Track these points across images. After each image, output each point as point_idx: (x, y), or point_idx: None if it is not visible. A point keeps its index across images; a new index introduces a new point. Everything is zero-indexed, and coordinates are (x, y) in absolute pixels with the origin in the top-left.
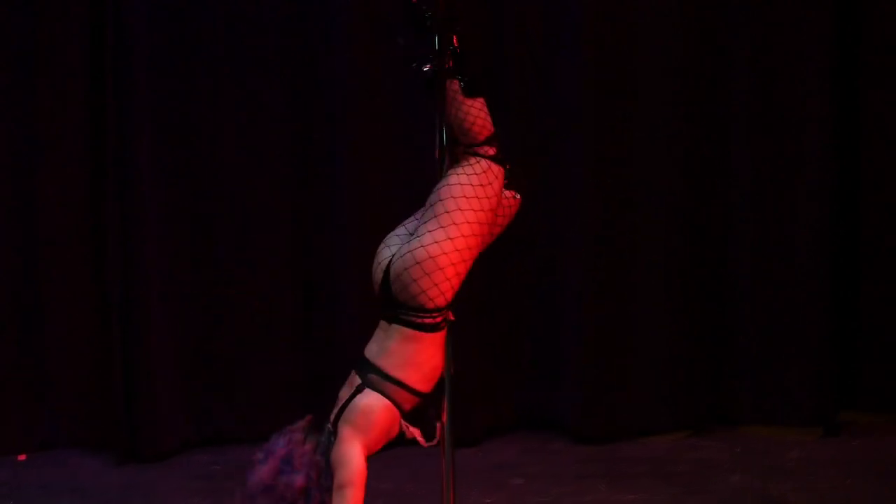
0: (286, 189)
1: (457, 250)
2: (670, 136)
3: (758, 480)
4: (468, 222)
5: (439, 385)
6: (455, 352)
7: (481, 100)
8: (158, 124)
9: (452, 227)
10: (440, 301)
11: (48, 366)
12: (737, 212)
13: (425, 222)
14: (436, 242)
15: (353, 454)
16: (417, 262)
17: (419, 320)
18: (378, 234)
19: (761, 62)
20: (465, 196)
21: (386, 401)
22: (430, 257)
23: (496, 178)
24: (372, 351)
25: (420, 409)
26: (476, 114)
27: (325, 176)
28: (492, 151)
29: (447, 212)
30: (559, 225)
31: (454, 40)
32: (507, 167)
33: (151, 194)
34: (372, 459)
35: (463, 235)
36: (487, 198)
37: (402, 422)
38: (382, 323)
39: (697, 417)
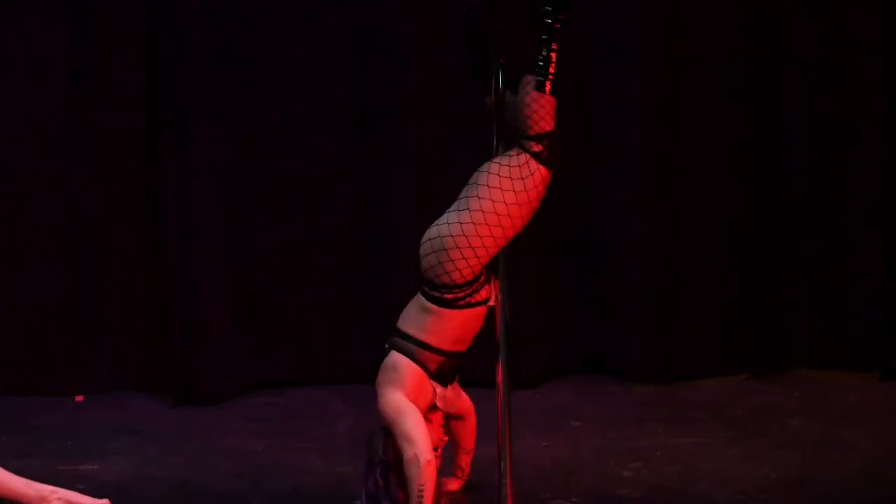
0: (344, 137)
1: (478, 235)
2: (731, 86)
3: (817, 424)
4: (494, 213)
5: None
6: (513, 295)
7: (551, 99)
8: (217, 61)
9: (478, 213)
10: (453, 278)
11: (105, 309)
12: (795, 155)
13: (457, 206)
14: (457, 223)
15: (390, 397)
16: (432, 239)
17: (433, 293)
18: (433, 193)
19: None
20: (496, 187)
21: (408, 359)
22: (447, 236)
23: (533, 173)
24: (401, 318)
25: (447, 370)
26: (536, 108)
27: (384, 127)
28: (537, 148)
29: (476, 197)
30: (616, 169)
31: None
32: (551, 170)
33: (210, 140)
34: None
35: (487, 223)
36: (519, 192)
37: (430, 381)
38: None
39: (755, 361)
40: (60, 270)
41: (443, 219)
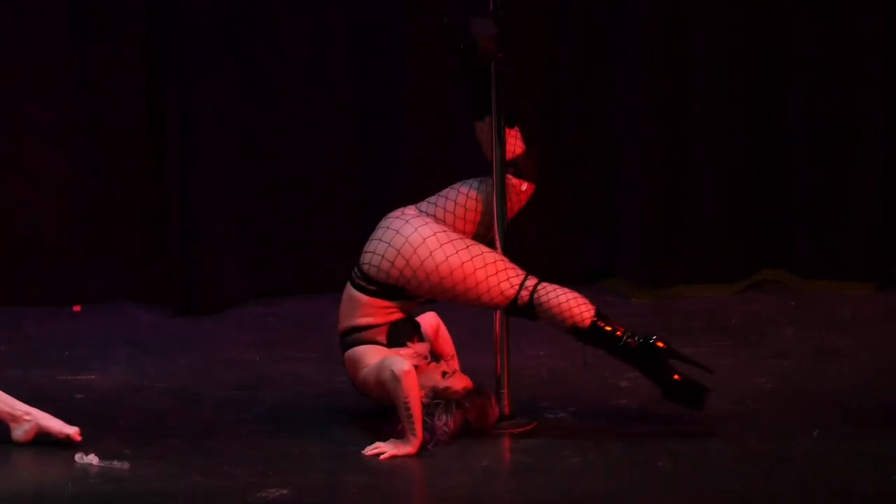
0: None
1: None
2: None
3: (812, 334)
4: (453, 230)
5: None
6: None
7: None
8: None
9: (436, 226)
10: (370, 271)
11: (104, 219)
12: (798, 66)
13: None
14: (411, 227)
15: (361, 377)
16: (381, 228)
17: (356, 279)
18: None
19: None
20: (462, 205)
21: (358, 349)
22: (396, 231)
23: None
24: (339, 324)
25: (400, 329)
26: (507, 140)
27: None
28: (511, 170)
29: (440, 209)
30: (616, 80)
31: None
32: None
33: (208, 48)
34: (437, 309)
35: (436, 235)
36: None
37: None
38: None
39: (751, 272)
40: (60, 180)
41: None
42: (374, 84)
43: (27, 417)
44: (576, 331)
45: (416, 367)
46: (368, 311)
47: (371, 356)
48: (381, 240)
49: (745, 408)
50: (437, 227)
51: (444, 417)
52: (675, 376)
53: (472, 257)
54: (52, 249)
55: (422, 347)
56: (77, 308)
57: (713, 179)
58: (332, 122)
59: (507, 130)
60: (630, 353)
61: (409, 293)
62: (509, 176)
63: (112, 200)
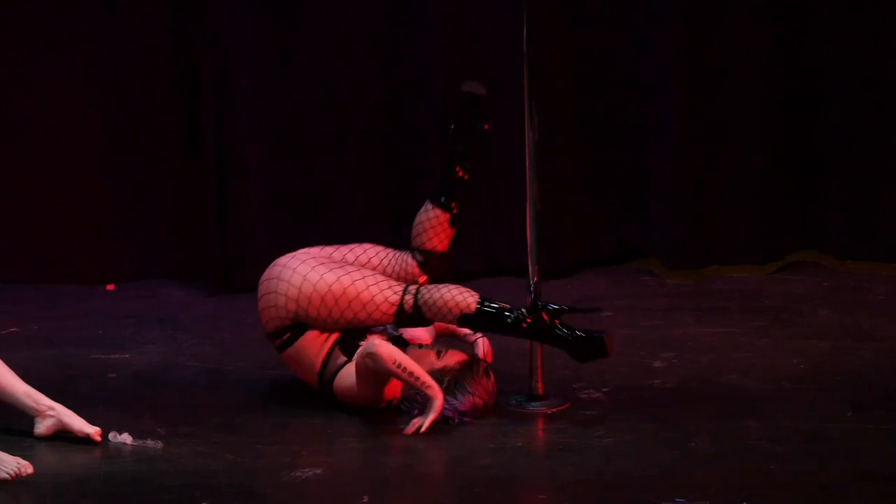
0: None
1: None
2: None
3: (846, 314)
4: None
5: None
6: (548, 185)
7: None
8: None
9: (310, 260)
10: (271, 326)
11: (139, 197)
12: (832, 45)
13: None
14: (288, 271)
15: (352, 377)
16: (261, 285)
17: (276, 344)
18: None
19: None
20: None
21: (336, 381)
22: (277, 279)
23: (407, 277)
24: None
25: (347, 339)
26: (438, 229)
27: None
28: (420, 258)
29: (345, 273)
30: (650, 56)
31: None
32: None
33: (244, 25)
34: (472, 287)
35: (314, 269)
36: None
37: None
38: None
39: (787, 252)
40: (94, 157)
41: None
42: (410, 70)
43: (50, 413)
44: (465, 318)
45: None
46: (308, 354)
47: (347, 373)
48: (264, 295)
49: (779, 388)
50: (311, 262)
51: (456, 397)
52: (573, 335)
53: (354, 280)
54: (86, 228)
55: (381, 333)
56: (111, 287)
57: (747, 159)
58: (370, 105)
59: (447, 225)
60: (522, 331)
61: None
62: (411, 260)
63: (147, 178)
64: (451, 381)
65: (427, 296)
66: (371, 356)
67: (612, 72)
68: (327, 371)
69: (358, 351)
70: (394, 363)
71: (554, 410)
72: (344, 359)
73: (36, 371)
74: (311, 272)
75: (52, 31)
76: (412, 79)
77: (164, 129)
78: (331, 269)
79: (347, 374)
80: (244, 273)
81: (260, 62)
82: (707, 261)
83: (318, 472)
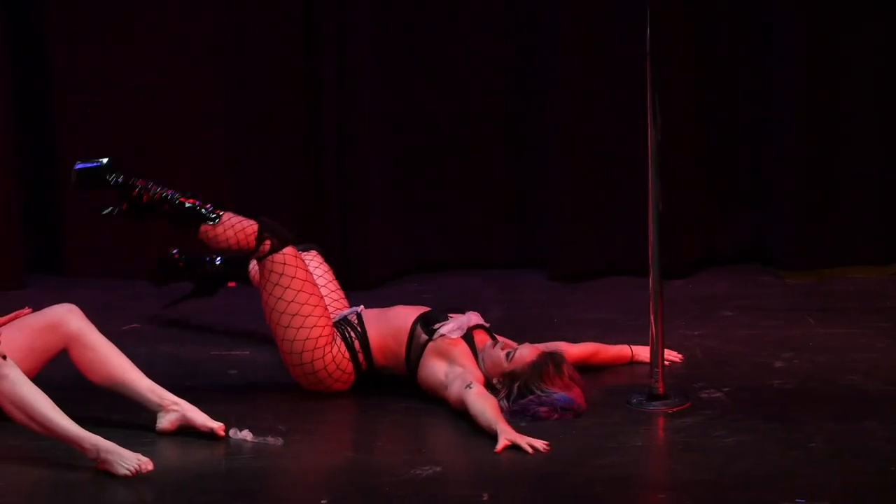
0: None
1: None
2: None
3: None
4: None
5: None
6: (667, 184)
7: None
8: None
9: None
10: None
11: (263, 197)
12: None
13: None
14: None
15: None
16: None
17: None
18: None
19: None
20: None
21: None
22: None
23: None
24: None
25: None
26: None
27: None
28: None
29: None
30: (767, 59)
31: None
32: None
33: (368, 35)
34: (587, 286)
35: None
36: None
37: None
38: None
39: None
40: (217, 156)
41: None
42: (531, 63)
43: (174, 408)
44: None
45: (480, 351)
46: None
47: (432, 371)
48: None
49: None
50: None
51: (539, 398)
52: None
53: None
54: None
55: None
56: (232, 284)
57: (866, 158)
58: (490, 101)
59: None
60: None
61: None
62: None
63: (269, 179)
64: (520, 386)
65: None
66: (465, 398)
67: (731, 72)
68: (412, 352)
69: (455, 383)
70: (479, 414)
71: (674, 410)
72: (425, 337)
73: (156, 367)
74: None
75: (177, 32)
76: (535, 81)
77: (287, 130)
78: None
79: (432, 372)
80: (364, 270)
81: (382, 58)
82: (826, 261)
83: (437, 469)
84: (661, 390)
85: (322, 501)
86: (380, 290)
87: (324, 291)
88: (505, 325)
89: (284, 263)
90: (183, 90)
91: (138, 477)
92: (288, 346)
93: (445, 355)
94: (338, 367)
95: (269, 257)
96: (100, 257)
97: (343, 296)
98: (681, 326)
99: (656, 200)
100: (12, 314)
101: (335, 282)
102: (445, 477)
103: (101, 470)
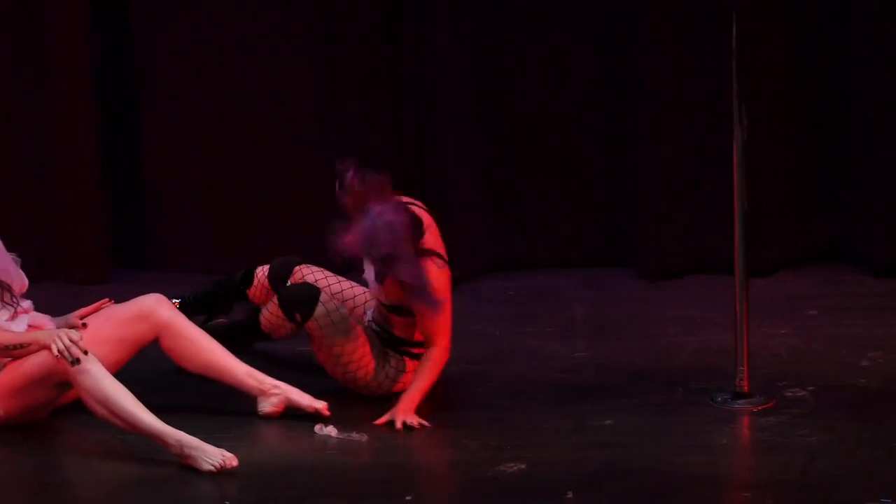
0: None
1: None
2: None
3: None
4: None
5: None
6: (751, 185)
7: None
8: None
9: None
10: None
11: None
12: None
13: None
14: None
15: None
16: None
17: None
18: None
19: None
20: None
21: None
22: None
23: None
24: None
25: None
26: None
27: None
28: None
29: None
30: (854, 56)
31: None
32: None
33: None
34: (672, 284)
35: None
36: None
37: None
38: None
39: None
40: (305, 150)
41: None
42: (616, 61)
43: (275, 391)
44: None
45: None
46: None
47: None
48: None
49: None
50: None
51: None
52: None
53: None
54: (306, 222)
55: None
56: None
57: None
58: (576, 100)
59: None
60: None
61: None
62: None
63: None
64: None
65: None
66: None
67: (818, 71)
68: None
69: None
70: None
71: (759, 408)
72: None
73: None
74: None
75: (272, 23)
76: (620, 79)
77: (376, 130)
78: None
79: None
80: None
81: (468, 57)
82: None
83: (521, 466)
84: (745, 389)
85: (407, 498)
86: (464, 287)
87: (345, 287)
88: (592, 323)
89: (319, 327)
90: (269, 84)
91: (222, 473)
92: (354, 385)
93: None
94: (395, 371)
95: (305, 326)
96: (184, 252)
97: (354, 283)
98: (765, 325)
99: (742, 199)
100: (94, 305)
101: (338, 276)
102: (530, 474)
103: (185, 465)
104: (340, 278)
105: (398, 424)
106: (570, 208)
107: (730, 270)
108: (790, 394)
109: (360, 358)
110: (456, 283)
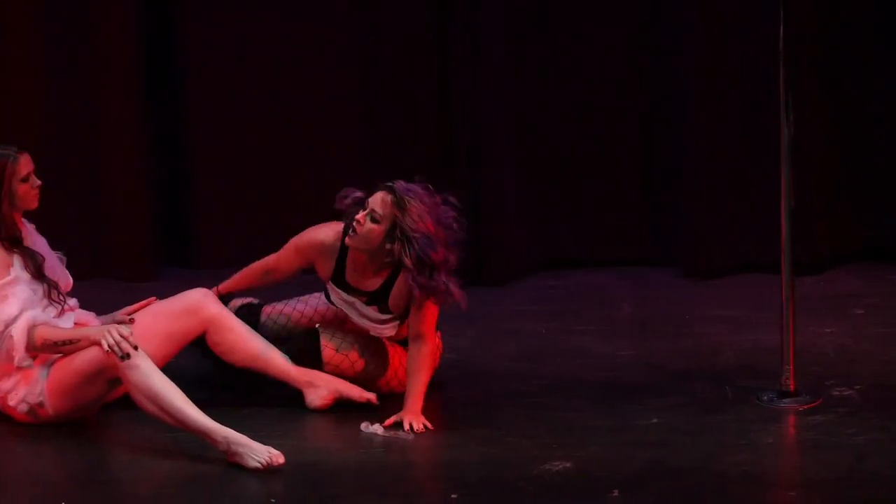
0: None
1: None
2: None
3: None
4: None
5: None
6: (799, 180)
7: None
8: None
9: None
10: None
11: None
12: None
13: None
14: None
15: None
16: None
17: None
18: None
19: None
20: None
21: None
22: None
23: None
24: None
25: None
26: None
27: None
28: None
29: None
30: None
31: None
32: None
33: (498, 22)
34: (719, 283)
35: None
36: None
37: None
38: None
39: None
40: (348, 151)
41: None
42: (661, 64)
43: (324, 381)
44: None
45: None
46: None
47: None
48: None
49: None
50: None
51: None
52: None
53: None
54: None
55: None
56: None
57: None
58: (623, 99)
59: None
60: None
61: None
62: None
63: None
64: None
65: None
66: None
67: (865, 68)
68: None
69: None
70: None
71: (805, 407)
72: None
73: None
74: None
75: (314, 26)
76: (668, 79)
77: (420, 127)
78: None
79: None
80: (496, 266)
81: (512, 60)
82: None
83: (568, 465)
84: (791, 388)
85: (452, 496)
86: (510, 286)
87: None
88: (637, 321)
89: (336, 365)
90: (317, 87)
91: (269, 470)
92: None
93: None
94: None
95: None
96: (229, 250)
97: (317, 294)
98: (812, 323)
99: (789, 197)
100: (141, 302)
101: (297, 298)
102: (576, 472)
103: (231, 463)
104: (303, 299)
105: (406, 426)
106: (616, 207)
107: (776, 269)
108: (837, 393)
109: (379, 360)
110: (502, 282)
